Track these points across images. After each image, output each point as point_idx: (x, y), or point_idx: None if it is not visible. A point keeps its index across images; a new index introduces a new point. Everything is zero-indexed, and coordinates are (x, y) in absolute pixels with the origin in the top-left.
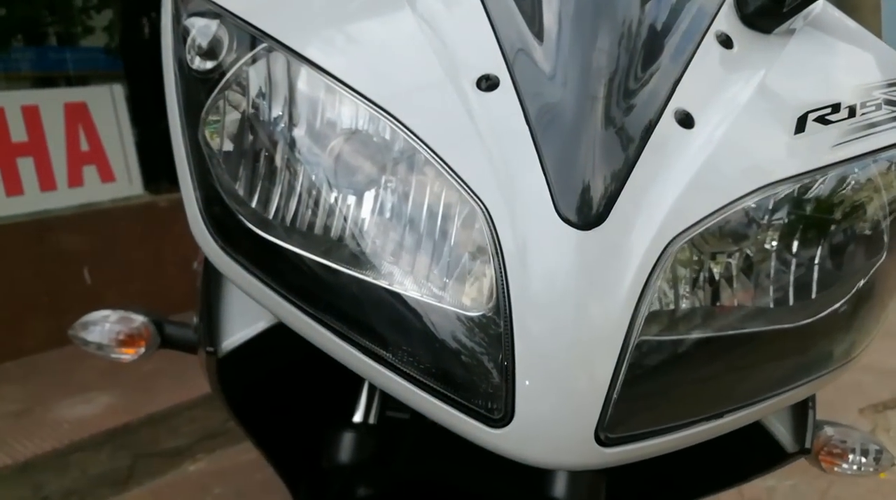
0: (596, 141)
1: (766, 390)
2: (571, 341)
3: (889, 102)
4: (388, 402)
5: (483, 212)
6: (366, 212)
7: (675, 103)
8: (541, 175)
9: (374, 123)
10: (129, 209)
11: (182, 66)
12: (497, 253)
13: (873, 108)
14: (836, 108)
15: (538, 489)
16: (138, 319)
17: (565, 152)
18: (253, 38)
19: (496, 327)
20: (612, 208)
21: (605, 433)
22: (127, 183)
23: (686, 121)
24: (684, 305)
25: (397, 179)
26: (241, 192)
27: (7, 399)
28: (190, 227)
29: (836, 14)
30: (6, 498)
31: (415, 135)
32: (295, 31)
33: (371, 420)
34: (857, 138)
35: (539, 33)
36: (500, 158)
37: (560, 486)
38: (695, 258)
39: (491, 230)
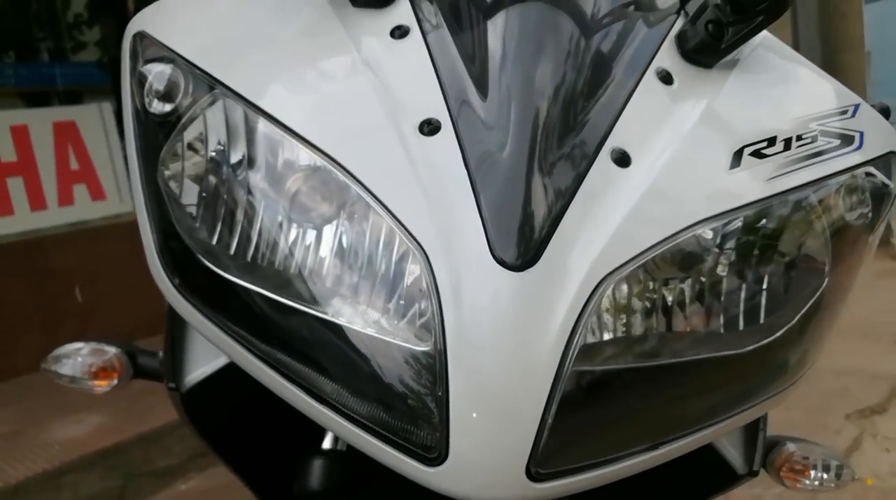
0: (532, 184)
1: (704, 419)
2: (503, 379)
3: (825, 134)
4: None
5: (421, 254)
6: (311, 252)
7: (612, 143)
8: (477, 218)
9: (318, 168)
10: (120, 227)
11: (140, 111)
12: (434, 293)
13: (809, 140)
14: (772, 141)
15: None
16: (110, 350)
17: (501, 196)
18: (206, 83)
19: (433, 367)
20: (545, 249)
21: (538, 469)
22: (117, 201)
23: (622, 160)
24: (617, 338)
25: (341, 221)
26: (195, 231)
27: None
28: (149, 266)
29: (780, 46)
30: None
31: (356, 179)
32: (244, 76)
33: (340, 447)
34: (791, 171)
35: (480, 78)
36: (439, 202)
37: None
38: (627, 293)
39: (428, 271)
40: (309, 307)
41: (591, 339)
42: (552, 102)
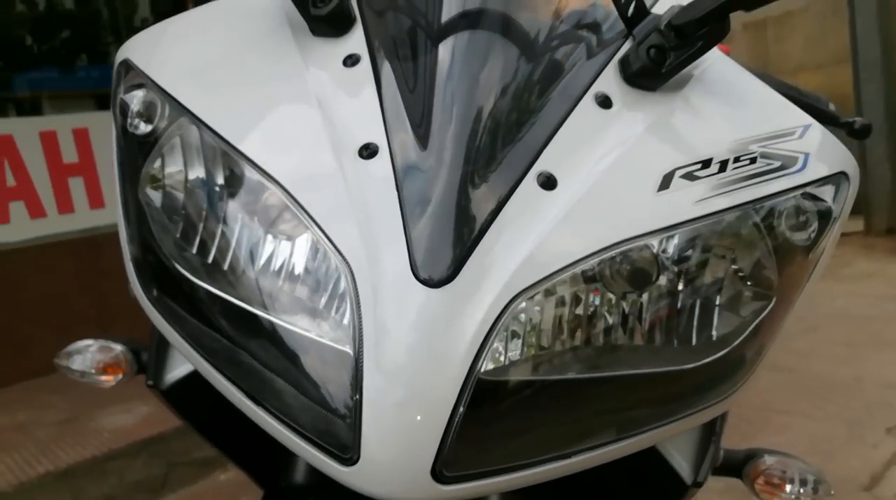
0: (456, 206)
1: (618, 432)
2: (412, 386)
3: (766, 156)
4: None
5: (347, 270)
6: (257, 261)
7: (540, 166)
8: (402, 237)
9: (263, 189)
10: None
11: (124, 132)
12: (356, 307)
13: (747, 162)
14: (706, 163)
15: None
16: (117, 348)
17: (427, 217)
18: (175, 110)
19: (352, 374)
20: (462, 268)
21: (444, 471)
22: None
23: (548, 183)
24: (526, 353)
25: (286, 240)
26: (166, 242)
27: (54, 408)
28: (127, 278)
29: (734, 68)
30: None
31: (294, 199)
32: (206, 102)
33: None
34: (723, 193)
35: (421, 103)
36: (367, 221)
37: None
38: (538, 311)
39: (352, 284)
40: (252, 307)
41: (501, 352)
42: (486, 128)
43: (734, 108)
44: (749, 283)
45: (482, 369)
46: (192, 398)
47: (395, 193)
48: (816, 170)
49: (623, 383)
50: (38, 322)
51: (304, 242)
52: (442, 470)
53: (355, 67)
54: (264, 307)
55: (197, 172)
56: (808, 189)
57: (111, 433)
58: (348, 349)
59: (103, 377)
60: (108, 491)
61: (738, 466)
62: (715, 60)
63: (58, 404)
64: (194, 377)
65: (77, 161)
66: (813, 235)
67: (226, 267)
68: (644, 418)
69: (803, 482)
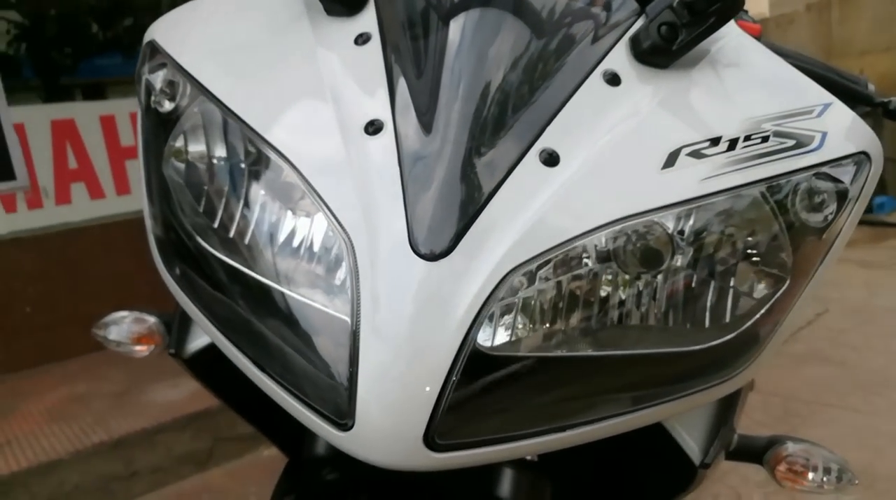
0: (456, 182)
1: (617, 407)
2: (407, 355)
3: (779, 134)
4: None
5: (346, 242)
6: (268, 233)
7: (543, 143)
8: (402, 212)
9: (276, 166)
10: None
11: (148, 110)
12: (354, 279)
13: (758, 140)
14: (715, 141)
15: (486, 488)
16: (150, 319)
17: (426, 192)
18: (195, 89)
19: (350, 343)
20: (459, 242)
21: (437, 439)
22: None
23: (551, 160)
24: (521, 327)
25: (294, 213)
26: (189, 216)
27: (110, 381)
28: (150, 253)
29: (751, 43)
30: (102, 471)
31: (304, 177)
32: (223, 82)
33: None
34: (731, 172)
35: (429, 79)
36: (369, 196)
37: (504, 486)
38: (533, 286)
39: (351, 256)
40: (265, 278)
41: (499, 325)
42: (492, 105)
43: (749, 86)
44: (761, 264)
45: (476, 341)
46: (214, 368)
47: (398, 168)
48: (834, 149)
49: (621, 362)
50: (99, 299)
51: (310, 218)
52: (434, 438)
53: (365, 46)
54: (275, 279)
55: (217, 149)
56: (825, 169)
57: (161, 407)
58: (346, 322)
59: (137, 347)
60: (157, 462)
61: (759, 452)
62: (732, 38)
63: (114, 377)
64: (213, 348)
65: (133, 144)
66: (830, 217)
67: (244, 241)
68: (643, 395)
69: (827, 471)
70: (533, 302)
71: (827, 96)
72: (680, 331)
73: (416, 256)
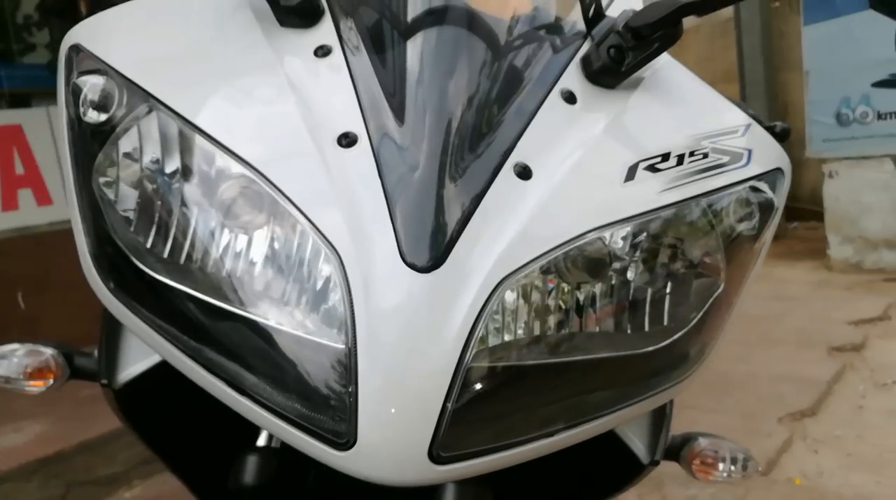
0: (439, 193)
1: (598, 409)
2: (407, 370)
3: (716, 151)
4: None
5: (336, 257)
6: (235, 255)
7: (516, 157)
8: (388, 224)
9: (243, 178)
10: (67, 233)
11: (75, 120)
12: (346, 293)
13: (700, 156)
14: (665, 157)
15: None
16: (46, 351)
17: (412, 204)
18: (138, 95)
19: (345, 360)
20: (449, 254)
21: (440, 452)
22: (64, 206)
23: (524, 173)
24: (514, 336)
25: (263, 226)
26: (130, 236)
27: None
28: (83, 271)
29: (681, 69)
30: None
31: (277, 188)
32: (173, 90)
33: (274, 444)
34: (682, 184)
35: (396, 94)
36: (353, 209)
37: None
38: (524, 295)
39: (341, 272)
40: (233, 306)
41: (490, 335)
42: (461, 119)
43: (684, 106)
44: (701, 269)
45: (473, 351)
46: (141, 403)
47: (379, 180)
48: (759, 165)
49: (597, 366)
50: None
51: (287, 232)
52: (438, 451)
53: (327, 58)
54: (241, 303)
55: (166, 161)
56: (754, 183)
57: (0, 454)
58: (339, 338)
59: (30, 383)
60: None
61: (676, 450)
62: (663, 64)
63: None
64: (145, 379)
65: None
66: (757, 226)
67: (201, 264)
68: (614, 398)
69: (734, 461)
70: (522, 311)
71: (744, 117)
72: (640, 334)
73: (408, 268)
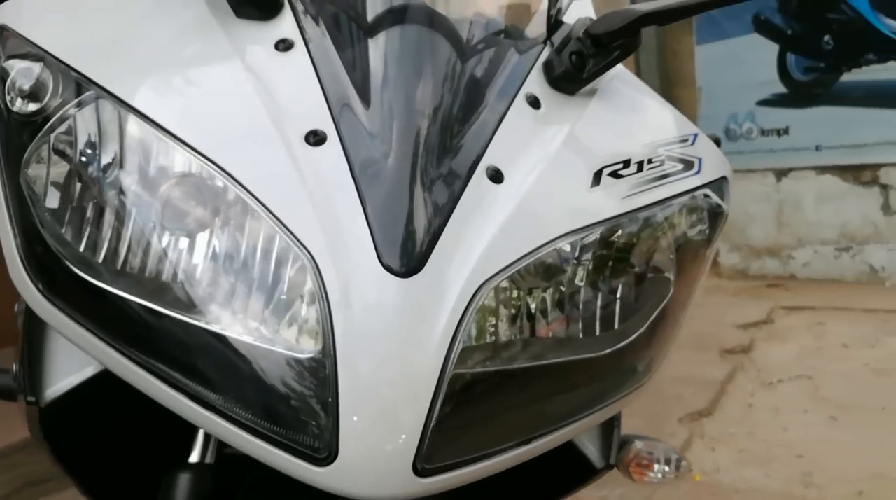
0: (415, 196)
1: (572, 414)
2: (390, 380)
3: (671, 159)
4: None
5: (310, 261)
6: (193, 258)
7: (487, 160)
8: (365, 227)
9: (201, 174)
10: None
11: (2, 109)
12: (323, 299)
13: (658, 163)
14: (626, 163)
15: None
16: None
17: (387, 206)
18: (79, 83)
19: (322, 370)
20: (428, 258)
21: (423, 465)
22: None
23: (496, 177)
24: (493, 342)
25: (226, 227)
26: (67, 236)
27: None
28: (9, 272)
29: (632, 79)
30: None
31: (241, 185)
32: (122, 79)
33: (208, 460)
34: (644, 190)
35: (364, 91)
36: (327, 210)
37: None
38: (502, 298)
39: (317, 279)
40: (190, 316)
41: (469, 343)
42: (432, 120)
43: (639, 115)
44: (660, 273)
45: (456, 358)
46: (63, 424)
47: (352, 182)
48: (709, 173)
49: (572, 369)
50: None
51: (251, 233)
52: (422, 464)
53: (289, 52)
54: (201, 311)
55: (105, 154)
56: (705, 190)
57: None
58: (316, 347)
59: None
60: None
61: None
62: (616, 73)
63: None
64: (72, 397)
65: None
66: (707, 232)
67: (154, 269)
68: (587, 402)
69: (668, 462)
70: (501, 316)
71: (693, 127)
72: (612, 336)
73: (388, 273)
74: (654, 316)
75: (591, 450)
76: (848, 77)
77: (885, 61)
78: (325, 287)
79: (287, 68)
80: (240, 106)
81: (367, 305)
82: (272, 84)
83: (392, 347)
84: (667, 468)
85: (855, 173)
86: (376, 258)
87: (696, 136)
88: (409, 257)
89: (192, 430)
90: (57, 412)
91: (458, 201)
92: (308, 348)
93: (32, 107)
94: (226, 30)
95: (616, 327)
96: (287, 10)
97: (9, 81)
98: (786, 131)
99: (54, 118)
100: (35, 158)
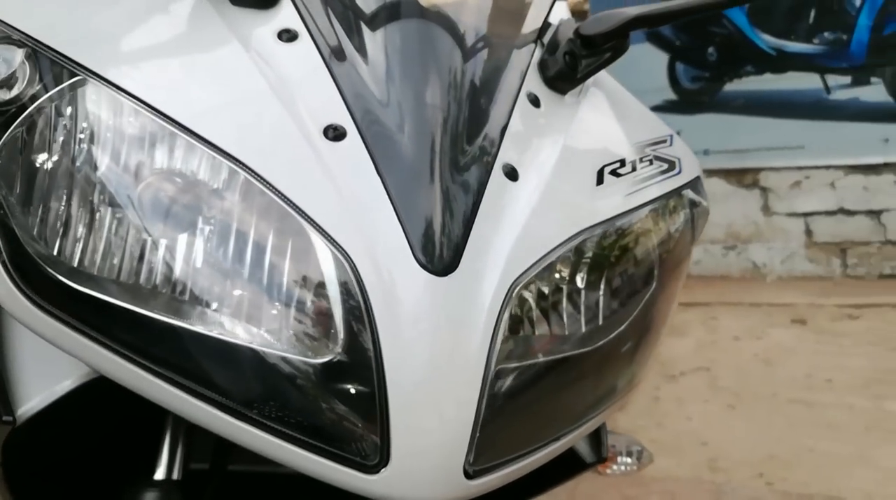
0: (441, 194)
1: (596, 406)
2: (438, 383)
3: (657, 159)
4: (190, 454)
5: (347, 261)
6: (221, 264)
7: (502, 158)
8: (398, 225)
9: (214, 168)
10: None
11: None
12: (365, 302)
13: (647, 163)
14: (623, 163)
15: None
16: None
17: (416, 205)
18: (65, 70)
19: (368, 375)
20: (461, 256)
21: (472, 467)
22: None
23: (512, 174)
24: (527, 336)
25: (253, 229)
26: (52, 241)
27: None
28: None
29: (612, 80)
30: None
31: (265, 180)
32: (117, 64)
33: (175, 475)
34: (641, 189)
35: (375, 85)
36: (359, 209)
37: None
38: (532, 295)
39: (356, 281)
40: (223, 333)
41: (508, 338)
42: (446, 115)
43: (625, 116)
44: (661, 266)
45: (496, 357)
46: (27, 448)
47: (379, 179)
48: (688, 173)
49: (598, 359)
50: None
51: (285, 236)
52: (470, 467)
53: (294, 43)
54: (222, 324)
55: (100, 147)
56: (687, 189)
57: None
58: (359, 352)
59: None
60: None
61: None
62: (601, 75)
63: None
64: (47, 415)
65: None
66: (689, 229)
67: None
68: (606, 394)
69: (629, 454)
70: (531, 311)
71: (668, 128)
72: (626, 327)
73: (427, 273)
74: (658, 306)
75: (582, 445)
76: (730, 86)
77: (762, 73)
78: (365, 290)
79: (294, 60)
80: (253, 97)
81: (409, 306)
82: (283, 76)
83: (439, 349)
84: (629, 460)
85: (738, 177)
86: (412, 258)
87: (672, 136)
88: (442, 257)
89: (153, 447)
90: (26, 433)
91: (481, 199)
92: (351, 354)
93: (5, 95)
94: (224, 18)
95: (633, 316)
96: (286, 0)
97: None
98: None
99: (32, 108)
100: (7, 153)
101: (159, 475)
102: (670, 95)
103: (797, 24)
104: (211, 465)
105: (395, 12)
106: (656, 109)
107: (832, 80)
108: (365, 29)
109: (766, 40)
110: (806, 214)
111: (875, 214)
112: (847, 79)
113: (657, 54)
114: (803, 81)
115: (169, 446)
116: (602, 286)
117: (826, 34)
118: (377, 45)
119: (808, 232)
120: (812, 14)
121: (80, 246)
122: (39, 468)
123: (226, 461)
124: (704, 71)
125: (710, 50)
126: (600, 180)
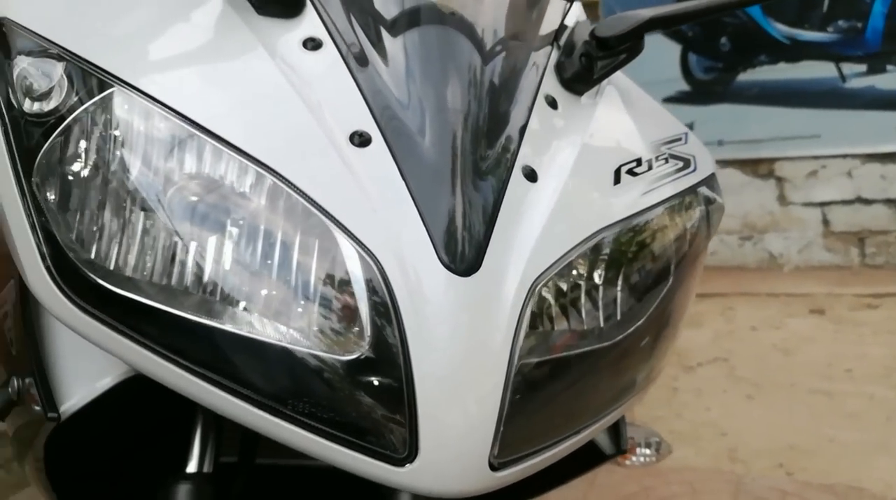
0: (463, 196)
1: (616, 399)
2: (465, 378)
3: (672, 157)
4: (220, 447)
5: (374, 263)
6: (245, 267)
7: (521, 160)
8: (422, 227)
9: (241, 172)
10: None
11: (11, 109)
12: (391, 301)
13: (663, 162)
14: (639, 162)
15: None
16: None
17: (439, 207)
18: (99, 80)
19: (396, 370)
20: (483, 256)
21: (497, 459)
22: None
23: (531, 176)
24: (548, 332)
25: (284, 233)
26: (89, 245)
27: None
28: (28, 281)
29: (626, 79)
30: None
31: (292, 184)
32: (148, 73)
33: (206, 469)
34: (657, 187)
35: (398, 91)
36: (385, 213)
37: None
38: (552, 293)
39: (383, 279)
40: (254, 333)
41: (530, 335)
42: (466, 119)
43: (641, 115)
44: (681, 263)
45: (519, 352)
46: (71, 445)
47: (404, 183)
48: (703, 170)
49: (616, 356)
50: None
51: (312, 238)
52: (495, 459)
53: (319, 51)
54: (257, 325)
55: (134, 156)
56: (703, 187)
57: None
58: (388, 347)
59: None
60: None
61: None
62: (616, 75)
63: None
64: (89, 410)
65: None
66: (705, 226)
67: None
68: (625, 388)
69: (648, 445)
70: (553, 308)
71: (683, 126)
72: (644, 322)
73: (450, 273)
74: (675, 302)
75: (602, 437)
76: (744, 77)
77: (776, 63)
78: (392, 289)
79: (319, 67)
80: (281, 104)
81: (434, 304)
82: (308, 83)
83: (463, 345)
84: (648, 451)
85: (753, 167)
86: (437, 259)
87: (686, 134)
88: (465, 256)
89: (185, 441)
90: (67, 431)
91: (502, 200)
92: (378, 350)
93: (45, 107)
94: (250, 26)
95: (651, 312)
96: (310, 9)
97: (18, 80)
98: (690, 127)
99: (70, 118)
100: (50, 162)
101: (191, 468)
102: (683, 86)
103: (811, 13)
104: (239, 458)
105: (416, 18)
106: (669, 100)
107: (847, 68)
108: (386, 35)
109: (780, 29)
110: (823, 204)
111: (893, 202)
112: (862, 67)
113: (670, 45)
114: (818, 70)
115: (200, 440)
116: (620, 283)
117: (840, 22)
118: (398, 51)
119: (826, 221)
120: (826, 2)
121: (115, 250)
122: (79, 466)
123: (253, 454)
124: (717, 61)
125: (723, 40)
126: (617, 180)
